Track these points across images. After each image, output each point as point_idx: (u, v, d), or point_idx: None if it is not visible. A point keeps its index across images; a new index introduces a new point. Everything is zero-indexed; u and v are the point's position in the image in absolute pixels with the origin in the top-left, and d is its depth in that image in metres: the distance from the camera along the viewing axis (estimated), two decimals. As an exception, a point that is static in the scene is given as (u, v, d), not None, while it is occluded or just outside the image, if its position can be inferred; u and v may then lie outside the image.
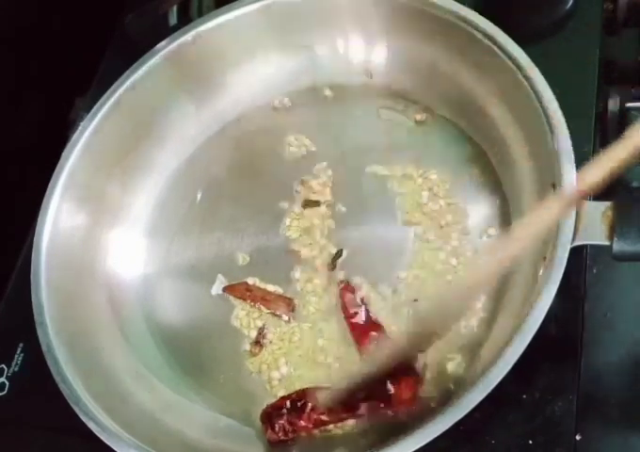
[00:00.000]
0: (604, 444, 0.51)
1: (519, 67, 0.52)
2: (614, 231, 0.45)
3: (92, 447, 0.49)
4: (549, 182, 0.49)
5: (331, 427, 0.51)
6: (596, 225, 0.46)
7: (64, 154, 0.59)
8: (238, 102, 0.65)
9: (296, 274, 0.58)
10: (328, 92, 0.64)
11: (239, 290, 0.58)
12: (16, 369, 0.61)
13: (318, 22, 0.62)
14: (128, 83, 0.61)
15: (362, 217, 0.59)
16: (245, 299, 0.58)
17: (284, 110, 0.65)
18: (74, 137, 0.60)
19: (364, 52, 0.63)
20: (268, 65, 0.65)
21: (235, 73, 0.65)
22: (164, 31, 0.64)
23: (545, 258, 0.46)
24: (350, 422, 0.51)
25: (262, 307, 0.57)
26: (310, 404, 0.50)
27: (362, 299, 0.54)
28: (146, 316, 0.60)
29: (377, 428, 0.50)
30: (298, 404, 0.50)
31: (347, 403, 0.49)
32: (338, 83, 0.64)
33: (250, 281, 0.59)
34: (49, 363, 0.52)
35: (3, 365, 0.61)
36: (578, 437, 0.49)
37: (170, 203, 0.64)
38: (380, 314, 0.54)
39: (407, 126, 0.61)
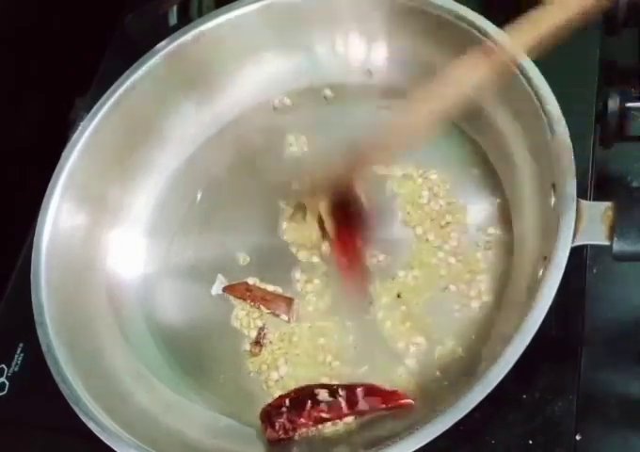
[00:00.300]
0: (604, 444, 0.51)
1: (519, 67, 0.52)
2: (614, 231, 0.45)
3: (92, 447, 0.49)
4: (549, 182, 0.49)
5: (330, 425, 0.51)
6: (596, 225, 0.46)
7: (64, 154, 0.59)
8: (238, 102, 0.65)
9: (296, 274, 0.58)
10: (327, 92, 0.64)
11: (239, 290, 0.58)
12: (16, 369, 0.61)
13: (318, 22, 0.62)
14: (128, 83, 0.60)
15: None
16: (245, 299, 0.58)
17: (284, 110, 0.65)
18: (74, 137, 0.60)
19: (364, 52, 0.63)
20: (268, 65, 0.65)
21: (235, 73, 0.65)
22: (164, 31, 0.64)
23: (545, 258, 0.46)
24: (349, 419, 0.51)
25: (262, 307, 0.57)
26: (309, 401, 0.50)
27: None
28: (146, 316, 0.60)
29: (377, 428, 0.50)
30: (298, 402, 0.51)
31: (347, 398, 0.50)
32: (338, 83, 0.64)
33: (250, 281, 0.59)
34: (49, 363, 0.52)
35: (3, 365, 0.61)
36: (578, 437, 0.49)
37: (170, 203, 0.64)
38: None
39: (407, 126, 0.61)
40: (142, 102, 0.62)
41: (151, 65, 0.61)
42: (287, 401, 0.51)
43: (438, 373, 0.52)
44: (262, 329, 0.57)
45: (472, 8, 0.55)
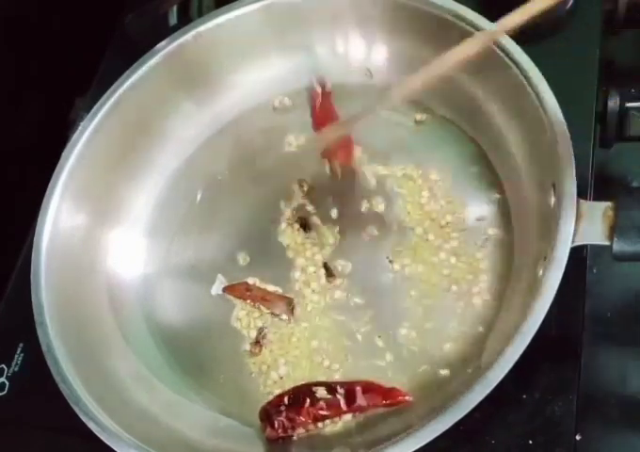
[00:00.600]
0: (604, 444, 0.51)
1: (519, 67, 0.52)
2: (614, 231, 0.45)
3: (92, 447, 0.49)
4: (549, 182, 0.49)
5: (330, 424, 0.51)
6: (596, 225, 0.46)
7: (64, 154, 0.59)
8: (238, 102, 0.65)
9: (296, 274, 0.58)
10: (328, 92, 0.64)
11: (239, 290, 0.58)
12: (16, 369, 0.61)
13: (318, 22, 0.62)
14: (128, 83, 0.61)
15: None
16: (245, 299, 0.58)
17: (284, 110, 0.65)
18: (74, 137, 0.60)
19: (364, 52, 0.63)
20: (268, 65, 0.65)
21: (235, 73, 0.65)
22: (164, 31, 0.64)
23: (545, 258, 0.46)
24: (349, 419, 0.51)
25: (262, 307, 0.57)
26: (308, 399, 0.50)
27: None
28: (146, 316, 0.60)
29: (377, 428, 0.50)
30: (296, 400, 0.51)
31: (346, 396, 0.50)
32: (338, 83, 0.64)
33: (250, 281, 0.59)
34: (49, 363, 0.52)
35: (3, 365, 0.61)
36: (578, 437, 0.49)
37: (170, 203, 0.64)
38: None
39: (407, 126, 0.61)
40: (142, 102, 0.62)
41: (151, 65, 0.61)
42: (286, 399, 0.51)
43: (438, 372, 0.52)
44: (262, 329, 0.57)
45: (472, 8, 0.55)
